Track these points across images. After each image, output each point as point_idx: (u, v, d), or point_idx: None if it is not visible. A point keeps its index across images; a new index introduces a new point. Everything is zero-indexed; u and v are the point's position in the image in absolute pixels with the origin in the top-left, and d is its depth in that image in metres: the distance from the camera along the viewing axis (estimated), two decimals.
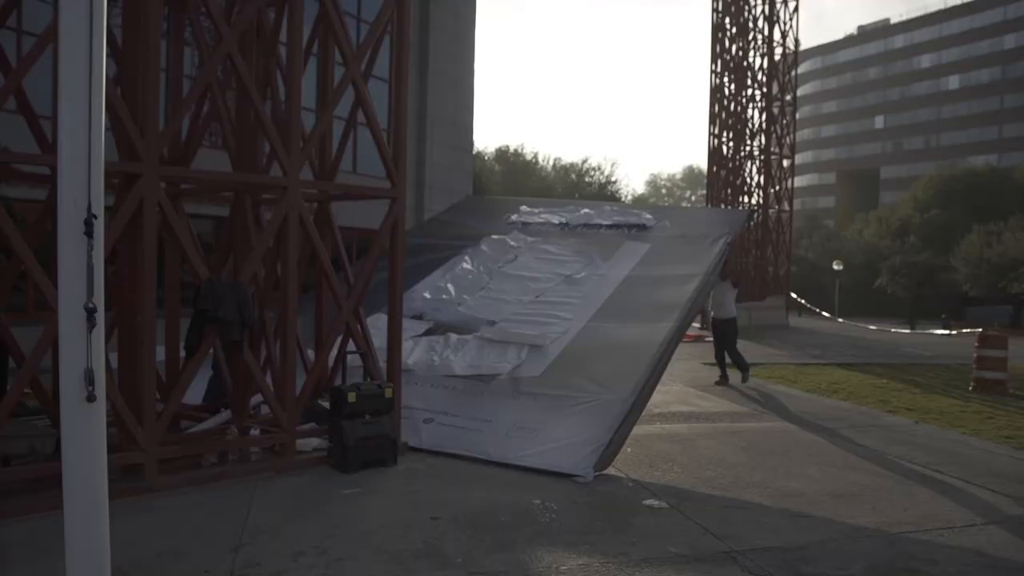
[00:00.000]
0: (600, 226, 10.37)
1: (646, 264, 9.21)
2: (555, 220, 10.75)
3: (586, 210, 11.01)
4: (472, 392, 7.16)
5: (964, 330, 25.23)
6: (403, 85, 6.68)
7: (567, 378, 7.14)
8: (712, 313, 12.01)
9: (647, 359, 7.10)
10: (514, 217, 11.00)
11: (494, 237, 10.14)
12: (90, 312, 2.45)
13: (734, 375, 11.43)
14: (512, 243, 10.01)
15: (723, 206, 29.28)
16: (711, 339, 12.30)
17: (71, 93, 2.46)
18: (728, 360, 11.60)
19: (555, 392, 6.92)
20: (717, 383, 11.22)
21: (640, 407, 6.70)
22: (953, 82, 71.34)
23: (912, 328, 29.82)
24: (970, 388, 11.80)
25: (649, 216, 10.38)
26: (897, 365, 15.42)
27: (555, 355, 7.58)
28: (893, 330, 28.09)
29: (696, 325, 20.70)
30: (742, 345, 12.22)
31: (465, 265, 9.59)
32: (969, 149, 66.76)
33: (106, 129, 2.62)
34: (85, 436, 2.53)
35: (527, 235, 10.29)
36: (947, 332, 26.36)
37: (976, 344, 12.23)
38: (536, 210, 11.25)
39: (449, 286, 9.14)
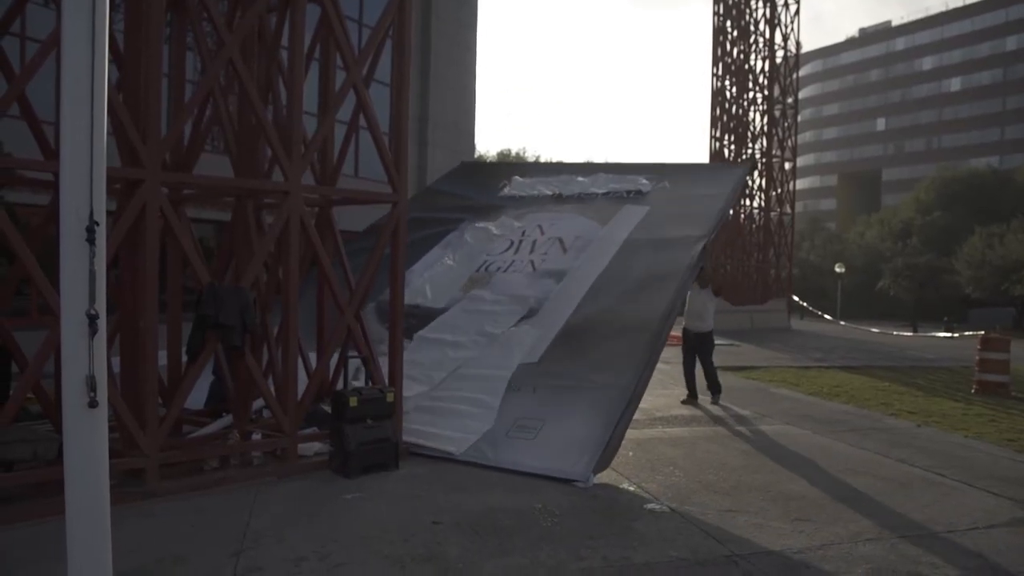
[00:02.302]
0: (596, 195, 10.19)
1: (645, 227, 9.04)
2: (548, 192, 10.52)
3: (581, 179, 10.68)
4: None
5: (966, 332, 25.20)
6: (404, 90, 6.69)
7: (565, 364, 7.08)
8: (685, 323, 10.19)
9: (646, 337, 7.03)
10: (506, 190, 10.80)
11: (478, 225, 9.91)
12: (92, 319, 2.46)
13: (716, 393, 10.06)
14: (496, 231, 9.74)
15: None
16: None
17: (73, 101, 2.47)
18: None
19: (553, 383, 6.88)
20: (684, 402, 9.83)
21: (639, 395, 6.64)
22: (955, 84, 71.32)
23: (915, 331, 29.77)
24: (972, 391, 11.79)
25: (645, 181, 10.11)
26: (899, 368, 15.40)
27: (553, 335, 7.52)
28: (895, 333, 28.06)
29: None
30: (744, 350, 12.08)
31: (447, 261, 9.43)
32: (971, 151, 66.70)
33: (108, 134, 2.63)
34: (87, 442, 2.54)
35: (515, 216, 10.08)
36: (949, 335, 26.32)
37: (978, 347, 12.21)
38: (529, 180, 10.97)
39: (427, 288, 9.01)
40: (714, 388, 9.96)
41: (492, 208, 10.52)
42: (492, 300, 8.50)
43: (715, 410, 9.42)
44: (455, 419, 6.74)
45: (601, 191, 10.16)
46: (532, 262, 9.11)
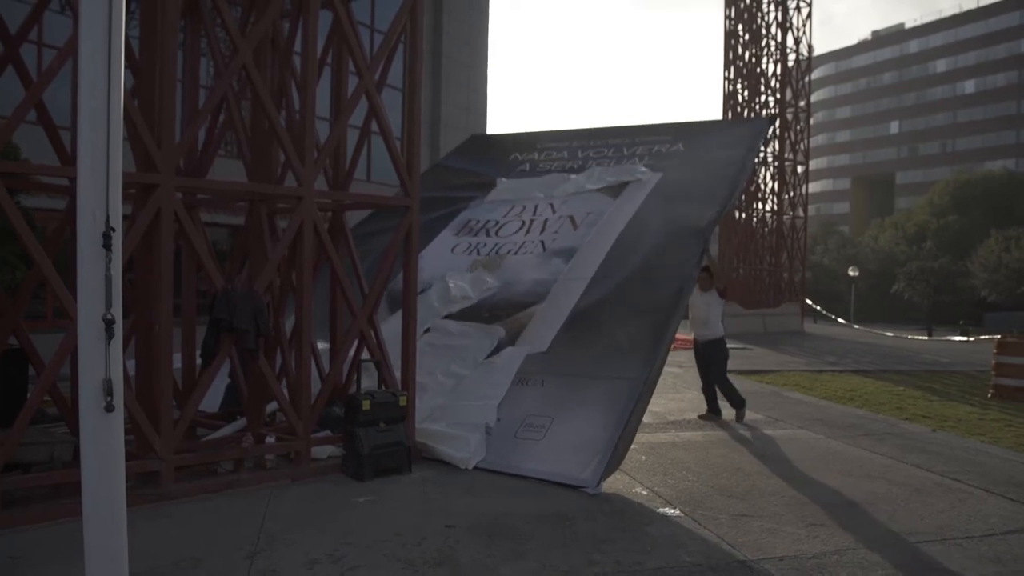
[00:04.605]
0: (590, 192, 9.85)
1: (657, 197, 8.82)
2: (539, 194, 9.86)
3: (574, 177, 10.02)
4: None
5: (982, 336, 24.98)
6: (417, 95, 6.72)
7: (575, 353, 7.03)
8: (693, 333, 9.40)
9: (657, 321, 6.96)
10: (492, 194, 10.27)
11: (446, 283, 8.70)
12: (108, 323, 2.48)
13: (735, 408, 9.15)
14: (470, 290, 8.54)
15: (737, 213, 29.19)
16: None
17: (90, 107, 2.50)
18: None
19: (562, 374, 6.83)
20: (702, 417, 9.05)
21: (651, 388, 6.58)
22: (969, 86, 70.84)
23: (929, 334, 29.53)
24: (988, 395, 11.68)
25: (644, 169, 9.58)
26: (914, 372, 15.29)
27: (563, 321, 7.46)
28: (910, 337, 27.85)
29: None
30: (757, 354, 11.93)
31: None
32: (986, 154, 66.23)
33: (123, 140, 2.66)
34: (103, 445, 2.56)
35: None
36: (965, 339, 26.08)
37: (995, 351, 12.10)
38: (517, 182, 10.29)
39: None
40: (737, 402, 8.95)
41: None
42: (459, 332, 7.92)
43: (728, 414, 9.35)
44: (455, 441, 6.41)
45: (595, 187, 9.66)
46: (543, 242, 8.96)
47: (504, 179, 10.50)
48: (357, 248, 7.12)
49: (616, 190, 9.44)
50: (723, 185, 8.60)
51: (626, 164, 10.09)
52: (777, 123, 30.54)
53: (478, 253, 9.26)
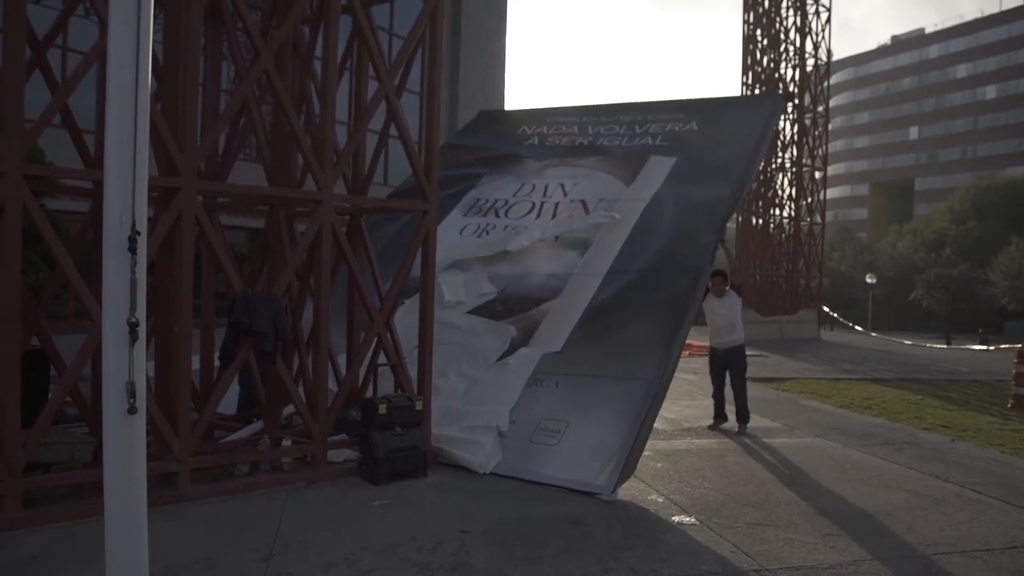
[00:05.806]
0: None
1: (671, 184, 8.65)
2: (509, 247, 8.73)
3: (527, 230, 8.74)
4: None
5: (1002, 345, 24.69)
6: (435, 100, 6.75)
7: (588, 353, 6.98)
8: (712, 341, 9.06)
9: (671, 318, 6.89)
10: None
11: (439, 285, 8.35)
12: (132, 327, 2.51)
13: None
14: (447, 295, 8.26)
15: (754, 219, 29.06)
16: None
17: (118, 112, 2.54)
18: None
19: (576, 375, 6.79)
20: (711, 427, 8.80)
21: (665, 388, 6.53)
22: (990, 91, 70.07)
23: (948, 343, 29.20)
24: (1008, 405, 11.53)
25: (616, 215, 8.50)
26: (932, 381, 15.13)
27: (577, 318, 7.37)
28: (928, 345, 27.56)
29: None
30: (773, 361, 11.79)
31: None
32: (1006, 160, 65.43)
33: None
34: (126, 447, 2.59)
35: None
36: (984, 347, 25.79)
37: (1015, 360, 11.95)
38: (467, 241, 9.11)
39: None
40: (743, 415, 8.69)
41: (512, 158, 10.24)
42: (469, 329, 7.74)
43: (730, 419, 9.26)
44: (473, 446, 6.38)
45: (557, 233, 8.69)
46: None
47: (455, 244, 8.97)
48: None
49: (630, 173, 9.16)
50: (739, 169, 8.40)
51: (637, 143, 9.84)
52: (795, 128, 30.38)
53: (487, 233, 8.99)
